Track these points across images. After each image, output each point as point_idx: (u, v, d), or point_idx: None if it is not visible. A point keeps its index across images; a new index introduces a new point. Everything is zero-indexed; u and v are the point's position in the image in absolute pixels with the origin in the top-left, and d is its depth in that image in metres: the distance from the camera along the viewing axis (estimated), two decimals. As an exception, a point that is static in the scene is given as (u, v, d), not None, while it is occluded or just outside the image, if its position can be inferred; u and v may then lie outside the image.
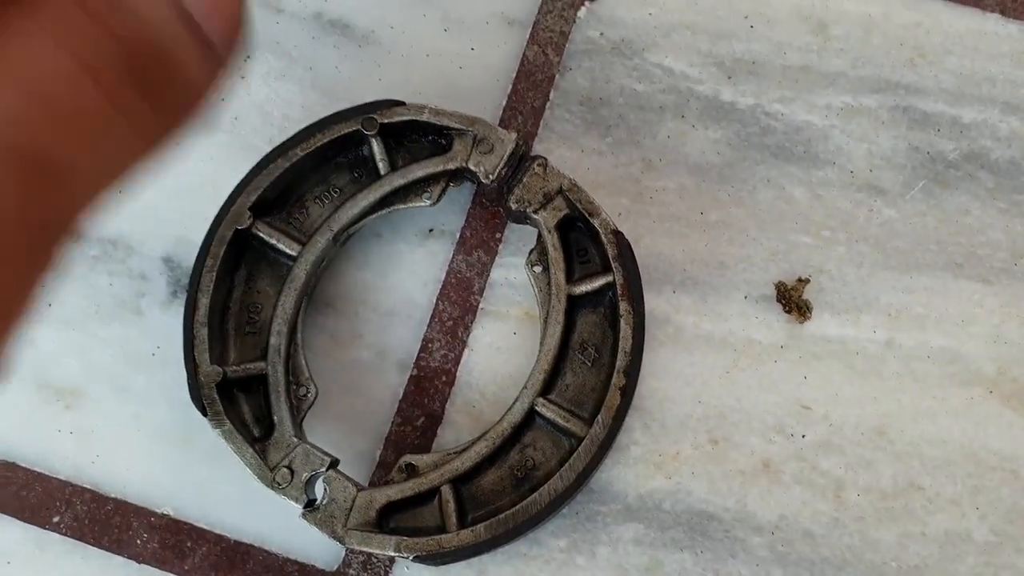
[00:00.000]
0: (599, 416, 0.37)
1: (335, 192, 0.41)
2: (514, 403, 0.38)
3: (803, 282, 0.41)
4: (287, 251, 0.40)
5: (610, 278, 0.39)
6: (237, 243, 0.40)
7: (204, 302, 0.38)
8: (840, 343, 0.41)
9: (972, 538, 0.39)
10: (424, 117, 0.39)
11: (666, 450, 0.41)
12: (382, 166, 0.40)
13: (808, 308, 0.41)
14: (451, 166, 0.40)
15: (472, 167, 0.39)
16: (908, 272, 0.42)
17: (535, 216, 0.39)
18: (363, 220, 0.41)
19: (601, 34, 0.44)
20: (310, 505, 0.37)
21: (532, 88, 0.44)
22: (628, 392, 0.38)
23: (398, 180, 0.40)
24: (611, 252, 0.38)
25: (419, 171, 0.40)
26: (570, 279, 0.39)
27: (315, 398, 0.39)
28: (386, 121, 0.40)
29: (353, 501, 0.37)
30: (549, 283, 0.39)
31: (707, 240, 0.42)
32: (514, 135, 0.39)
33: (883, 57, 0.43)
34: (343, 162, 0.41)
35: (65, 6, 0.18)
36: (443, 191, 0.41)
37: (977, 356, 0.41)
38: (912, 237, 0.42)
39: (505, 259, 0.43)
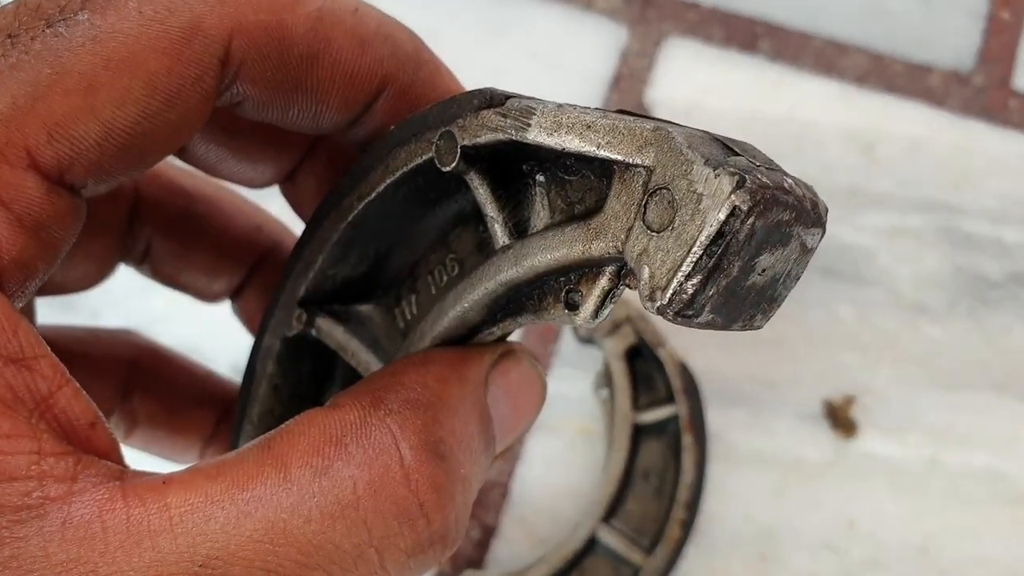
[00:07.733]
0: (658, 548, 0.38)
1: (453, 266, 0.23)
2: (576, 529, 0.39)
3: (850, 400, 0.43)
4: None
5: (675, 409, 0.40)
6: (295, 348, 0.26)
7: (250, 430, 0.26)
8: (886, 461, 0.42)
9: (1015, 657, 0.40)
10: (532, 138, 0.18)
11: (716, 567, 0.41)
12: (497, 230, 0.20)
13: (855, 426, 0.42)
14: (594, 251, 0.18)
15: (631, 263, 0.17)
16: (952, 391, 0.43)
17: (602, 341, 0.40)
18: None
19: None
20: None
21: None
22: (688, 525, 0.38)
23: (510, 270, 0.20)
24: (676, 384, 0.39)
25: (541, 254, 0.19)
26: (636, 406, 0.40)
27: None
28: (470, 143, 0.19)
29: None
30: (614, 408, 0.40)
31: (759, 357, 0.43)
32: (732, 183, 0.16)
33: (928, 178, 0.45)
34: (460, 208, 0.23)
35: None
36: (606, 298, 0.18)
37: (1021, 475, 0.42)
38: (956, 356, 0.43)
39: (560, 371, 0.44)
